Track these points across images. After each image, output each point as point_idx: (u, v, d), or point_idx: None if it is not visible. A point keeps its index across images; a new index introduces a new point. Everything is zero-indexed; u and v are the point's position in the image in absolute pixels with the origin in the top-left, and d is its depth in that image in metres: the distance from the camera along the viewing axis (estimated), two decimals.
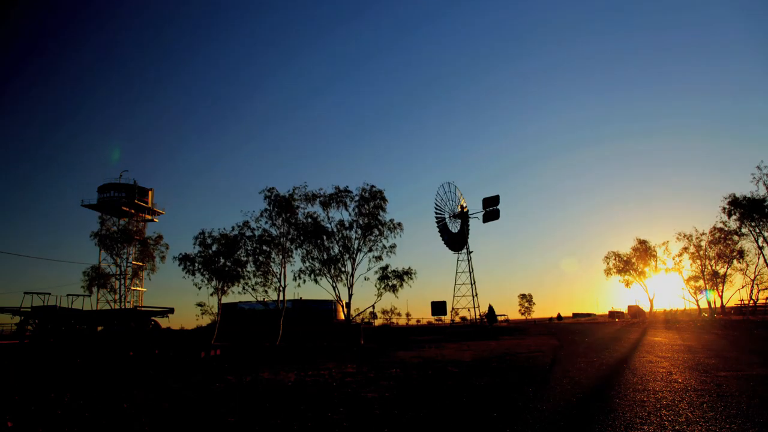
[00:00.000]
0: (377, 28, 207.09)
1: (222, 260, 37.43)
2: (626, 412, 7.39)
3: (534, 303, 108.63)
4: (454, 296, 77.59)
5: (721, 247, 58.85)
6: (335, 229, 37.07)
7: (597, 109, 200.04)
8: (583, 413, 7.61)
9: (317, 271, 36.34)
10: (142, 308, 28.52)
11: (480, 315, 74.83)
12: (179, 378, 13.78)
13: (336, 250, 37.00)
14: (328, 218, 37.28)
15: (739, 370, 11.50)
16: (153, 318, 25.22)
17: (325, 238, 36.75)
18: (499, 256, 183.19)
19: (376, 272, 36.54)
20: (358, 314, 46.24)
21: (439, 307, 76.15)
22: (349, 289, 36.49)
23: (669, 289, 67.54)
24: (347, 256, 36.89)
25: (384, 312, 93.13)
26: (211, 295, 38.24)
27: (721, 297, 61.39)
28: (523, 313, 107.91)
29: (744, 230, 54.20)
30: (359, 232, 36.89)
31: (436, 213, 75.28)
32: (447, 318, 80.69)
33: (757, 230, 51.99)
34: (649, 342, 22.22)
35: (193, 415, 8.19)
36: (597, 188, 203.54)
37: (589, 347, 20.92)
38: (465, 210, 77.64)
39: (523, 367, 14.56)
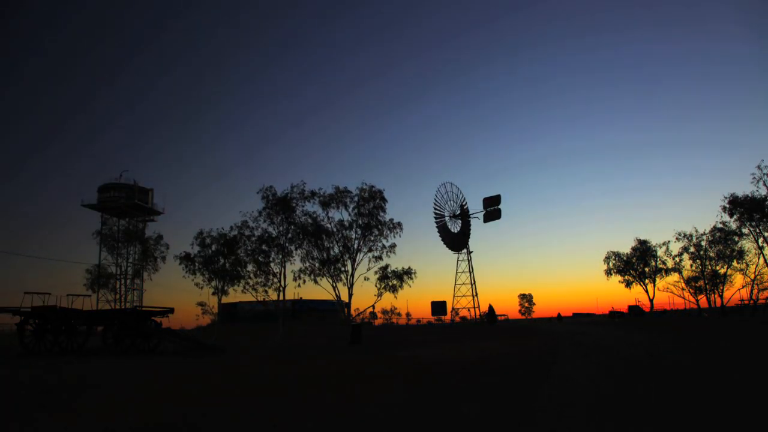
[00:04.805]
0: (377, 25, 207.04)
1: (222, 260, 37.56)
2: None
3: (534, 303, 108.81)
4: (454, 296, 77.54)
5: (721, 247, 58.85)
6: (335, 229, 37.14)
7: (598, 107, 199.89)
8: None
9: (317, 271, 36.41)
10: (143, 308, 28.50)
11: (480, 315, 74.81)
12: (180, 375, 13.81)
13: (336, 250, 37.08)
14: (328, 218, 37.35)
15: None
16: (153, 318, 25.21)
17: (324, 237, 36.81)
18: (499, 256, 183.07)
19: (376, 272, 36.63)
20: (359, 314, 46.26)
21: (439, 307, 76.10)
22: (349, 289, 36.55)
23: (669, 289, 67.25)
24: (347, 256, 36.95)
25: (384, 312, 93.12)
26: (212, 294, 38.43)
27: (722, 297, 61.47)
28: (523, 313, 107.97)
29: (744, 230, 54.29)
30: (359, 231, 36.96)
31: (436, 213, 75.28)
32: (447, 318, 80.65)
33: (758, 230, 51.99)
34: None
35: (191, 406, 8.22)
36: (597, 188, 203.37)
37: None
38: (465, 210, 77.57)
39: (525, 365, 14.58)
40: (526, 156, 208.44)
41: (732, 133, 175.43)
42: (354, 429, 6.99)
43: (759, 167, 47.91)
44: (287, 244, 37.17)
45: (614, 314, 79.67)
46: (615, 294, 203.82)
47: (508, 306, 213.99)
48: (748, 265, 58.08)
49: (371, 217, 36.80)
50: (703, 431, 6.37)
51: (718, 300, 61.65)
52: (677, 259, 64.03)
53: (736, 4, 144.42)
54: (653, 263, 66.23)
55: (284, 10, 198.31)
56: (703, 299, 63.80)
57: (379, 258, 36.64)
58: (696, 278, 62.97)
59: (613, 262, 68.87)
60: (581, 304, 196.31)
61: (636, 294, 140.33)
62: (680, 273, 64.43)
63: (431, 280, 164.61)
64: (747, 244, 56.87)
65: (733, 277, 60.36)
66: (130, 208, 56.66)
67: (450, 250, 76.97)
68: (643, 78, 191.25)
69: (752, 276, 57.85)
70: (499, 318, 78.79)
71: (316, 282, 36.51)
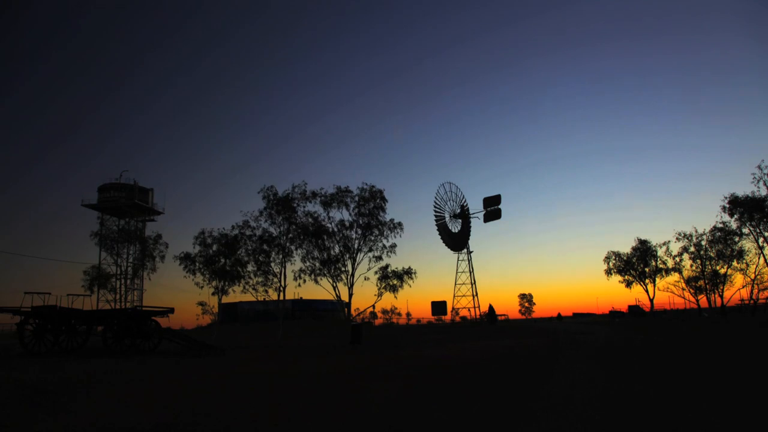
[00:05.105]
0: (381, 31, 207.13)
1: (223, 260, 37.59)
2: None
3: (534, 303, 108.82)
4: (454, 296, 77.46)
5: (721, 247, 58.87)
6: (336, 229, 37.17)
7: (597, 108, 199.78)
8: None
9: (317, 271, 36.45)
10: (143, 308, 28.49)
11: (480, 315, 74.79)
12: (180, 375, 13.82)
13: (336, 250, 37.09)
14: (329, 218, 37.38)
15: None
16: (153, 318, 25.20)
17: (325, 237, 36.82)
18: (499, 256, 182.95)
19: (377, 272, 36.67)
20: (359, 314, 46.28)
21: (439, 307, 76.06)
22: (349, 288, 36.58)
23: (669, 289, 67.26)
24: (347, 255, 36.97)
25: (384, 312, 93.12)
26: (212, 294, 38.47)
27: (722, 297, 61.49)
28: (523, 313, 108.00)
29: (744, 230, 54.33)
30: (359, 231, 37.00)
31: (436, 213, 75.22)
32: (447, 318, 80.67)
33: (758, 230, 52.01)
34: None
35: (192, 406, 8.23)
36: (597, 188, 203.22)
37: None
38: (465, 210, 77.55)
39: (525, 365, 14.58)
40: (526, 156, 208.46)
41: (732, 133, 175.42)
42: (355, 428, 6.99)
43: (759, 167, 48.00)
44: (288, 244, 37.22)
45: (614, 314, 79.67)
46: (615, 294, 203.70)
47: (508, 306, 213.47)
48: (748, 265, 58.18)
49: (372, 217, 36.85)
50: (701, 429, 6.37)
51: (719, 300, 61.73)
52: (677, 259, 64.14)
53: (735, 6, 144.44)
54: (653, 263, 66.25)
55: (289, 17, 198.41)
56: (703, 299, 63.94)
57: (380, 258, 36.72)
58: (696, 278, 62.99)
59: (614, 262, 68.96)
60: (581, 304, 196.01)
61: (636, 294, 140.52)
62: (680, 273, 64.54)
63: (431, 280, 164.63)
64: (747, 244, 56.99)
65: (733, 277, 60.48)
66: (130, 208, 56.61)
67: (450, 250, 76.92)
68: (643, 79, 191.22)
69: (752, 276, 57.93)
70: (500, 318, 78.74)
71: (316, 282, 36.58)
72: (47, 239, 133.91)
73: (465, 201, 78.16)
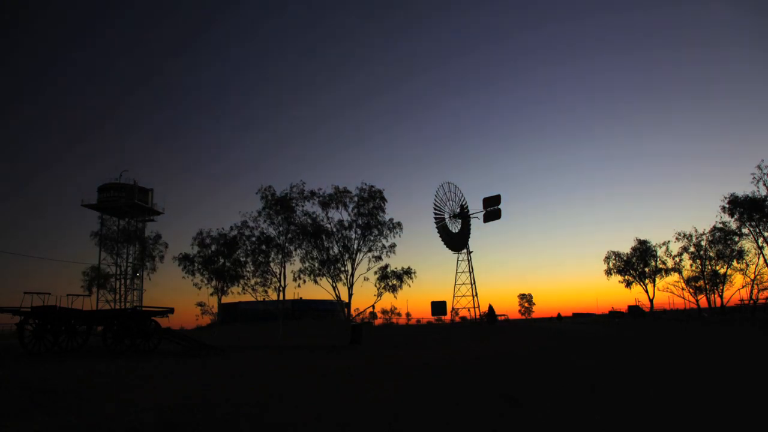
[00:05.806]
0: (381, 31, 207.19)
1: (221, 260, 37.57)
2: None
3: (534, 303, 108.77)
4: (454, 296, 77.51)
5: (721, 247, 58.86)
6: (335, 229, 37.10)
7: (597, 108, 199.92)
8: None
9: (317, 271, 36.36)
10: (143, 308, 28.48)
11: (480, 315, 74.81)
12: (179, 375, 13.82)
13: (336, 250, 37.01)
14: (327, 218, 37.32)
15: None
16: (153, 318, 25.19)
17: (324, 238, 36.77)
18: (499, 256, 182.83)
19: (376, 272, 36.57)
20: (358, 314, 46.21)
21: (439, 307, 76.11)
22: (348, 288, 36.52)
23: (669, 289, 67.22)
24: (347, 256, 36.90)
25: (384, 312, 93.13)
26: (211, 295, 38.44)
27: (722, 297, 61.50)
28: (523, 314, 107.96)
29: (744, 230, 54.30)
30: (358, 232, 36.92)
31: (436, 213, 75.26)
32: (447, 318, 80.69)
33: (758, 230, 52.00)
34: None
35: (191, 405, 8.23)
36: (597, 188, 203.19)
37: None
38: (465, 210, 77.57)
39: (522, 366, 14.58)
40: (526, 156, 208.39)
41: (732, 132, 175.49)
42: (355, 428, 7.00)
43: (759, 167, 48.00)
44: (287, 244, 37.18)
45: (614, 315, 79.63)
46: (615, 294, 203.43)
47: (508, 306, 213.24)
48: (748, 265, 58.09)
49: (371, 217, 36.75)
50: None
51: (718, 300, 61.72)
52: (677, 259, 64.10)
53: (734, 4, 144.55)
54: (653, 263, 66.23)
55: (291, 20, 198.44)
56: (703, 299, 63.90)
57: (379, 258, 36.59)
58: (696, 278, 62.96)
59: (613, 262, 68.91)
60: (581, 304, 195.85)
61: (636, 294, 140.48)
62: (680, 273, 64.51)
63: (431, 280, 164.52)
64: (747, 244, 56.93)
65: (733, 277, 60.39)
66: (130, 208, 56.59)
67: (450, 250, 76.98)
68: (642, 80, 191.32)
69: (752, 276, 57.86)
70: (499, 318, 78.74)
71: (316, 282, 36.47)
72: (47, 239, 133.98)
73: (465, 201, 78.25)
